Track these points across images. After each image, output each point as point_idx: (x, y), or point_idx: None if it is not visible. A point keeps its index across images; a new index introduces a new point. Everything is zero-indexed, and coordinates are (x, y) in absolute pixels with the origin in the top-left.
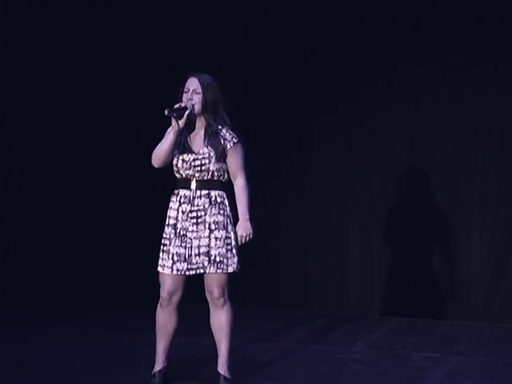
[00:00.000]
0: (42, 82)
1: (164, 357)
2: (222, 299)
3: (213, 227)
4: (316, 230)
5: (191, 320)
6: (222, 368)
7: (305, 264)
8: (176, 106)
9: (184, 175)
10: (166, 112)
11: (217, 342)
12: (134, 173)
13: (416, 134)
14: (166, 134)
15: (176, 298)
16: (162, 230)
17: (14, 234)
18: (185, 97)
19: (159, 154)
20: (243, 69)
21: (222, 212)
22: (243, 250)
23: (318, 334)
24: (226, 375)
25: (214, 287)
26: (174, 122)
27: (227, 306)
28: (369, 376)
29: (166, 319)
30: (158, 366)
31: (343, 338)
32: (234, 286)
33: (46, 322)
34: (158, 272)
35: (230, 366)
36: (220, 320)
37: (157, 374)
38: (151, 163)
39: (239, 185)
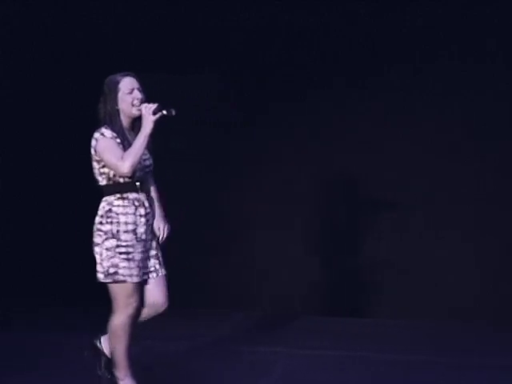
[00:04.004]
0: (42, 83)
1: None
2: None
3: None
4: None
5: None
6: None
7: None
8: (159, 106)
9: (129, 179)
10: (173, 112)
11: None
12: None
13: (414, 134)
14: (137, 139)
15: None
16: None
17: (14, 235)
18: (129, 97)
19: (137, 160)
20: (242, 69)
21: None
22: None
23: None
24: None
25: (164, 297)
26: (153, 124)
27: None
28: None
29: (131, 327)
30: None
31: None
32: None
33: (46, 322)
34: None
35: None
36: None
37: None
38: (123, 172)
39: None
